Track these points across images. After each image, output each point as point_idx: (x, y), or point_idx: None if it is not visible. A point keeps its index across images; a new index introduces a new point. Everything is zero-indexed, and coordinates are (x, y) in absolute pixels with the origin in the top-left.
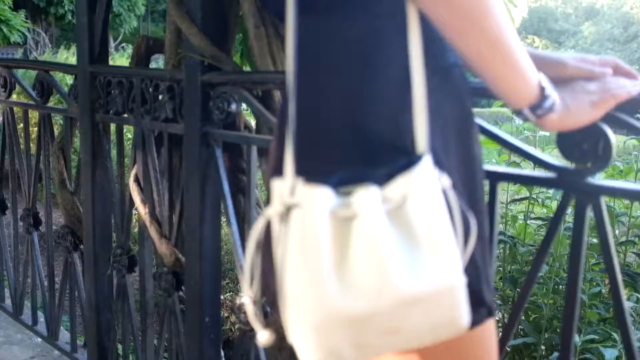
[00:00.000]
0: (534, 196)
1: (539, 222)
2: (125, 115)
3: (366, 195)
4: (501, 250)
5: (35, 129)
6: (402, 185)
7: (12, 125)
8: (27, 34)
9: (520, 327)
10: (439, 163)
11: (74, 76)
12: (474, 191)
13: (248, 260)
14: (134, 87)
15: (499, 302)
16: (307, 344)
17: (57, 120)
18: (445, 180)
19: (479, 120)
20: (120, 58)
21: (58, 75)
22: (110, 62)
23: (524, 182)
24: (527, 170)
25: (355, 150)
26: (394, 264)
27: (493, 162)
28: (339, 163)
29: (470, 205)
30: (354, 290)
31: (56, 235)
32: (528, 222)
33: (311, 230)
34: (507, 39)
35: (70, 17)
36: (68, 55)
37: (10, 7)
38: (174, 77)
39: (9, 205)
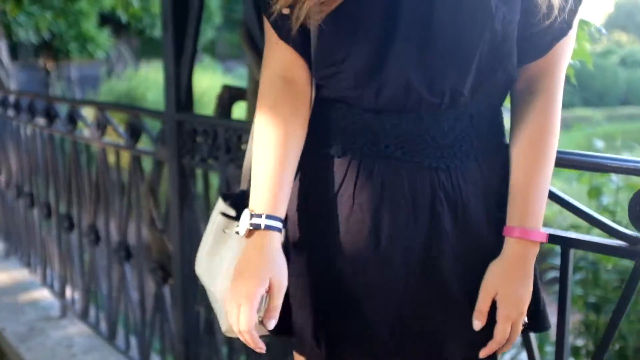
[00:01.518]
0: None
1: None
2: (211, 161)
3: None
4: (583, 276)
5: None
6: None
7: (104, 164)
8: (109, 50)
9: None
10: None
11: (161, 122)
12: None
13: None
14: (219, 136)
15: (582, 329)
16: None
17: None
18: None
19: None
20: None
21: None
22: None
23: (596, 250)
24: (599, 238)
25: None
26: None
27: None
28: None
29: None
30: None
31: (147, 268)
32: None
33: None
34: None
35: (148, 31)
36: (149, 71)
37: (95, 25)
38: None
39: (101, 237)
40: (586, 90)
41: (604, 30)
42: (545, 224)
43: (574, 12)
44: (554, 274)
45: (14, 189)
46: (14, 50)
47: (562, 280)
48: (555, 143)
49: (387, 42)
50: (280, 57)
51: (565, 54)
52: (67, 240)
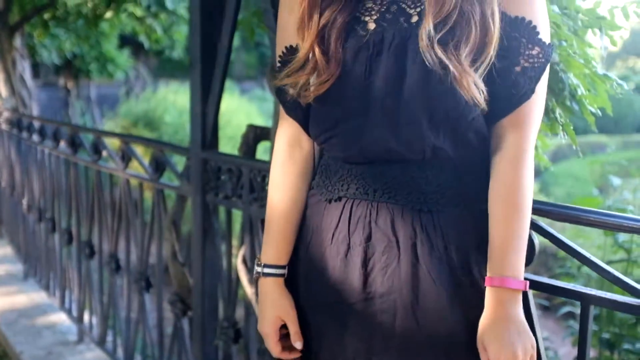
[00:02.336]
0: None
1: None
2: (234, 199)
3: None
4: (597, 312)
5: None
6: None
7: (127, 195)
8: (129, 71)
9: None
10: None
11: (185, 158)
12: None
13: None
14: (243, 175)
15: None
16: None
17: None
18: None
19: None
20: None
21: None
22: None
23: (615, 308)
24: (619, 296)
25: None
26: None
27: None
28: None
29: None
30: None
31: (166, 299)
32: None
33: None
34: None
35: (167, 52)
36: (167, 92)
37: (116, 46)
38: None
39: (122, 265)
40: (601, 117)
41: (625, 85)
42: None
43: (536, 79)
44: (568, 308)
45: (35, 213)
46: (35, 68)
47: (582, 336)
48: (527, 196)
49: (367, 111)
50: (288, 128)
51: (534, 114)
52: (87, 265)
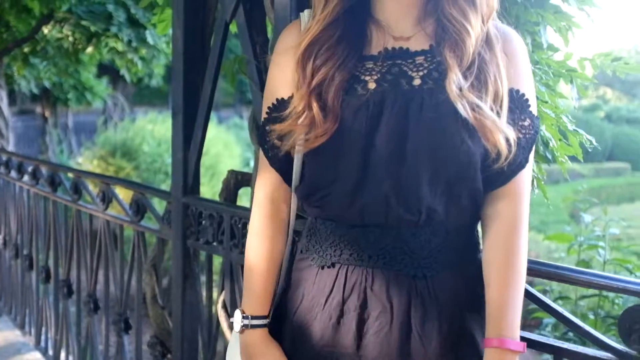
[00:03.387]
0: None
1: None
2: (215, 244)
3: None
4: None
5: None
6: None
7: (107, 237)
8: (107, 100)
9: None
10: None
11: (167, 202)
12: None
13: None
14: (224, 221)
15: None
16: None
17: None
18: None
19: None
20: None
21: (135, 142)
22: None
23: None
24: (590, 350)
25: None
26: None
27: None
28: None
29: None
30: None
31: (145, 342)
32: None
33: None
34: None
35: (145, 80)
36: (145, 122)
37: (94, 75)
38: None
39: (100, 306)
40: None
41: (593, 140)
42: None
43: (529, 149)
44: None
45: (12, 249)
46: (11, 95)
47: None
48: (524, 260)
49: (366, 169)
50: (269, 180)
51: (527, 181)
52: (64, 304)
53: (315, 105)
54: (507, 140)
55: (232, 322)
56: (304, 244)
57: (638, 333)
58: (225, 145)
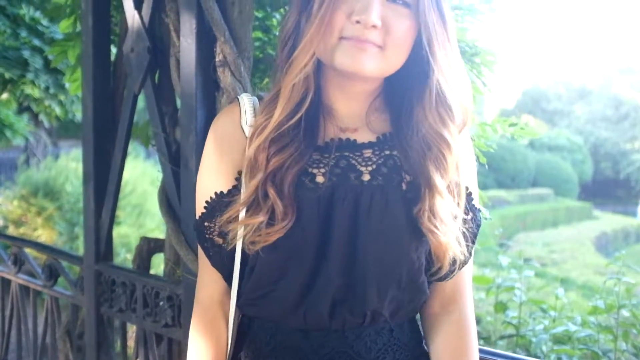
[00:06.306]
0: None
1: None
2: (129, 312)
3: None
4: None
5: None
6: None
7: (20, 302)
8: (29, 136)
9: None
10: None
11: (79, 268)
12: None
13: None
14: (137, 289)
15: None
16: None
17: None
18: None
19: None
20: None
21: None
22: None
23: None
24: None
25: None
26: None
27: None
28: None
29: None
30: None
31: None
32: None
33: None
34: None
35: (69, 115)
36: (68, 160)
37: (15, 111)
38: (174, 291)
39: None
40: (499, 172)
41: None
42: None
43: (472, 242)
44: None
45: None
46: None
47: None
48: (475, 353)
49: (317, 269)
50: (211, 278)
51: (470, 273)
52: None
53: (273, 194)
54: (454, 259)
55: None
56: (244, 352)
57: None
58: (153, 182)
